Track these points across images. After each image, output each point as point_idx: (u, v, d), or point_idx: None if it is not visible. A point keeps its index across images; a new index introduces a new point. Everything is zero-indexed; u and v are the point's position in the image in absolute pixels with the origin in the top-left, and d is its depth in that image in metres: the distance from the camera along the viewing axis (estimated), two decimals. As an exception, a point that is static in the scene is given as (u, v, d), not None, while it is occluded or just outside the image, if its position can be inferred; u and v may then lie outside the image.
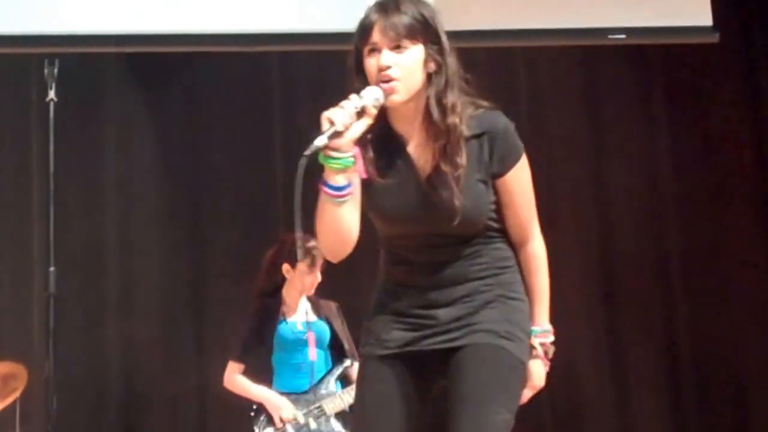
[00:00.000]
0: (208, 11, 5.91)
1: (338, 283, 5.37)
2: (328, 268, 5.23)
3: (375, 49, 2.97)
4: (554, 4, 6.10)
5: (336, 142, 2.85)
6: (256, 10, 5.94)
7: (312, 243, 4.93)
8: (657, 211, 6.97)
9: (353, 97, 2.90)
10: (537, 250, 3.22)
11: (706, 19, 6.22)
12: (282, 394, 5.32)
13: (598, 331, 6.78)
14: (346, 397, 5.27)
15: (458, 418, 2.95)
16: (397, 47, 2.96)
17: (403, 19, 2.98)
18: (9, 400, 5.27)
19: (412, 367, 3.05)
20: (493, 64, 6.42)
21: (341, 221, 2.96)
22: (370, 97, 2.91)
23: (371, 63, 2.97)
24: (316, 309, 5.40)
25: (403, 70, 2.96)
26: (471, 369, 2.99)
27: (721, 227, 6.92)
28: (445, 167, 2.98)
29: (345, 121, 2.85)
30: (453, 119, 2.99)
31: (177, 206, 6.51)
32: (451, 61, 3.04)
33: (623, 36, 6.21)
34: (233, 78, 6.53)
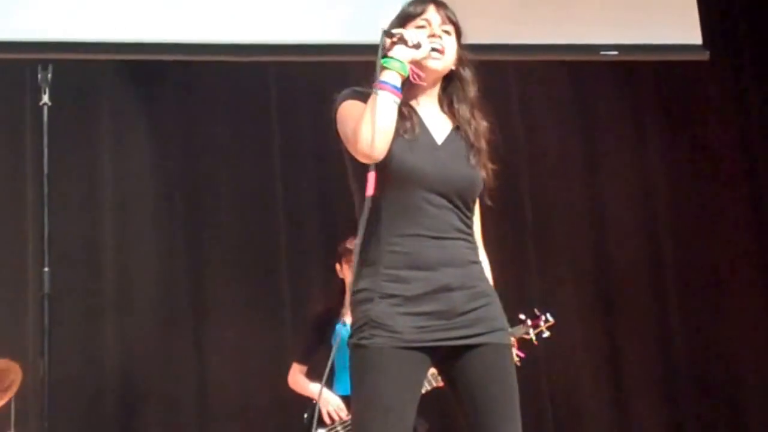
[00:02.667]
0: (206, 20, 5.94)
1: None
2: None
3: (424, 26, 3.29)
4: (547, 19, 6.18)
5: (398, 49, 3.16)
6: (253, 20, 5.97)
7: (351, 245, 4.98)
8: (650, 221, 7.02)
9: (417, 32, 3.24)
10: (484, 255, 3.39)
11: (695, 37, 6.30)
12: (342, 398, 5.33)
13: (595, 340, 6.83)
14: None
15: (498, 423, 3.13)
16: (445, 30, 3.32)
17: (450, 12, 3.37)
18: (4, 400, 5.28)
19: (424, 356, 3.16)
20: (485, 75, 6.41)
21: (390, 120, 3.12)
22: (426, 44, 3.22)
23: (422, 32, 3.27)
24: None
25: (447, 47, 3.30)
26: (497, 372, 3.16)
27: (714, 238, 6.99)
28: (470, 135, 3.31)
29: (412, 40, 3.18)
30: (471, 113, 3.35)
31: (173, 208, 6.51)
32: (472, 66, 3.40)
33: (615, 52, 6.30)
34: (230, 80, 6.54)
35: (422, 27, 3.29)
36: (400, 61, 3.16)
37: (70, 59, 5.79)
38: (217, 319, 6.37)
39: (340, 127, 3.24)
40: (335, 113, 3.27)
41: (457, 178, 3.24)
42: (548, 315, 5.25)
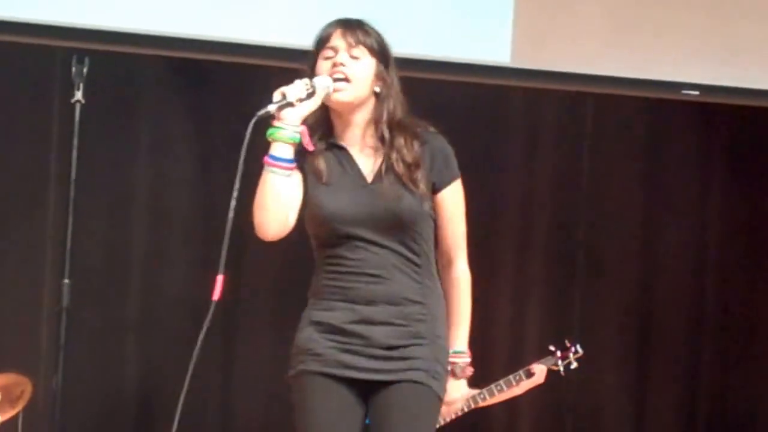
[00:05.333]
0: (264, 20, 5.73)
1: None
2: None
3: (330, 56, 3.26)
4: (629, 53, 6.04)
5: (285, 114, 3.17)
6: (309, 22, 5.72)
7: None
8: (700, 268, 6.95)
9: (305, 79, 3.21)
10: (462, 273, 3.39)
11: None
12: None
13: (626, 378, 6.83)
14: None
15: None
16: (353, 55, 3.27)
17: (362, 33, 3.30)
18: (11, 413, 5.18)
19: (349, 390, 3.24)
20: (562, 106, 6.59)
21: (281, 196, 3.21)
22: (322, 83, 3.21)
23: (326, 64, 3.26)
24: None
25: (355, 73, 3.25)
26: (403, 412, 3.21)
27: (759, 295, 6.91)
28: (397, 167, 3.24)
29: (296, 96, 3.16)
30: (400, 138, 3.28)
31: (212, 222, 6.13)
32: (397, 84, 3.33)
33: (697, 93, 6.17)
34: (280, 85, 6.29)
35: (328, 58, 3.27)
36: (288, 127, 3.17)
37: (109, 51, 5.58)
38: (245, 340, 6.28)
39: None
40: None
41: (385, 216, 3.24)
42: (578, 347, 5.25)
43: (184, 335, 5.87)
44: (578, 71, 5.97)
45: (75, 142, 4.86)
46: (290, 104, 3.16)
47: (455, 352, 3.37)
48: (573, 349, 5.24)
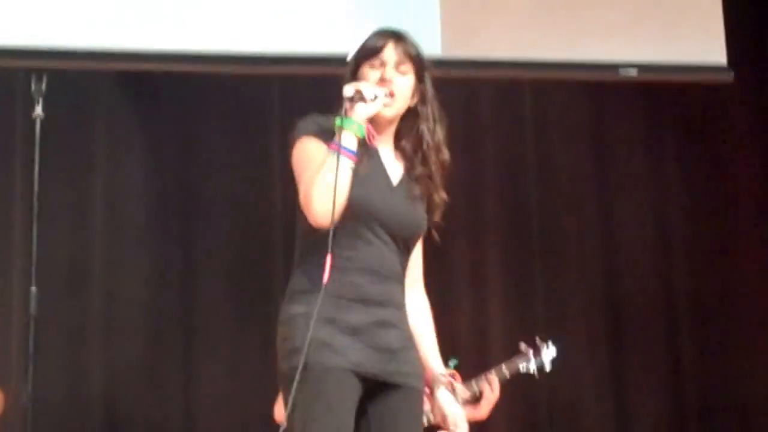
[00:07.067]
0: (208, 30, 5.80)
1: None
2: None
3: (378, 63, 3.31)
4: (564, 35, 6.04)
5: (357, 108, 3.19)
6: (257, 30, 5.81)
7: None
8: (665, 248, 6.90)
9: (370, 84, 3.26)
10: (424, 295, 3.54)
11: (720, 56, 6.14)
12: None
13: (602, 368, 6.73)
14: None
15: None
16: (401, 71, 3.32)
17: (411, 48, 3.37)
18: None
19: (359, 387, 3.24)
20: (499, 92, 6.53)
21: (345, 186, 3.16)
22: (380, 93, 3.25)
23: (373, 74, 3.29)
24: None
25: (401, 90, 3.33)
26: (411, 418, 3.30)
27: (731, 268, 6.86)
28: (421, 180, 3.35)
29: (369, 96, 3.21)
30: (443, 155, 3.40)
31: (167, 227, 6.37)
32: (433, 98, 3.42)
33: (635, 72, 6.13)
34: (230, 95, 6.38)
35: (375, 67, 3.31)
36: (359, 123, 3.19)
37: (65, 69, 5.65)
38: (207, 343, 6.26)
39: (295, 165, 3.38)
40: (293, 143, 3.39)
41: (407, 223, 3.32)
42: (550, 343, 4.97)
43: (145, 339, 6.20)
44: (511, 58, 5.96)
45: (36, 155, 4.88)
46: (363, 100, 3.19)
47: (443, 374, 3.47)
48: (545, 346, 4.96)
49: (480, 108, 6.67)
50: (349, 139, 3.17)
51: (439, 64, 5.89)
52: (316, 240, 3.23)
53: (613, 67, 6.12)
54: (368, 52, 3.33)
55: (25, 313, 4.91)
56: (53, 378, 5.79)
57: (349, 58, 3.35)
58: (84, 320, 6.17)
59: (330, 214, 3.12)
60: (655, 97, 6.83)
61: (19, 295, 5.74)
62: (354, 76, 3.31)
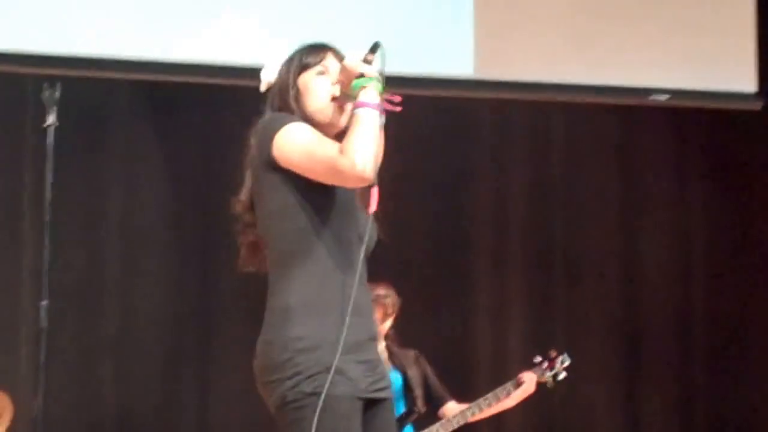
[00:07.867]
0: (228, 42, 5.77)
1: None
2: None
3: (324, 73, 3.20)
4: (597, 59, 6.05)
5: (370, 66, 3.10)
6: (274, 43, 5.70)
7: (380, 292, 4.97)
8: (685, 276, 6.94)
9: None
10: None
11: (750, 85, 6.15)
12: None
13: (616, 390, 6.78)
14: None
15: None
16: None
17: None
18: None
19: (362, 410, 3.12)
20: (530, 113, 6.56)
21: (380, 141, 3.06)
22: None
23: (324, 84, 3.18)
24: (392, 358, 5.22)
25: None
26: (392, 428, 3.21)
27: (748, 296, 6.89)
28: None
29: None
30: None
31: (184, 242, 6.36)
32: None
33: (665, 97, 6.14)
34: (248, 106, 6.31)
35: (322, 74, 3.21)
36: (377, 78, 3.09)
37: (80, 77, 5.60)
38: (222, 360, 6.26)
39: (297, 145, 3.12)
40: (274, 135, 3.18)
41: (373, 234, 3.16)
42: (565, 355, 5.14)
43: (159, 355, 6.19)
44: (543, 80, 5.96)
45: (49, 165, 4.79)
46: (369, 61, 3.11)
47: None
48: (560, 358, 5.13)
49: (510, 129, 6.71)
50: (373, 94, 3.06)
51: (471, 84, 5.86)
52: (310, 246, 3.13)
53: (645, 92, 6.12)
54: (315, 54, 3.24)
55: (34, 326, 4.81)
56: (63, 393, 5.80)
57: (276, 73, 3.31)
58: (96, 335, 6.18)
59: (370, 168, 2.99)
60: (681, 120, 6.85)
61: (29, 308, 5.73)
62: (296, 76, 3.24)
